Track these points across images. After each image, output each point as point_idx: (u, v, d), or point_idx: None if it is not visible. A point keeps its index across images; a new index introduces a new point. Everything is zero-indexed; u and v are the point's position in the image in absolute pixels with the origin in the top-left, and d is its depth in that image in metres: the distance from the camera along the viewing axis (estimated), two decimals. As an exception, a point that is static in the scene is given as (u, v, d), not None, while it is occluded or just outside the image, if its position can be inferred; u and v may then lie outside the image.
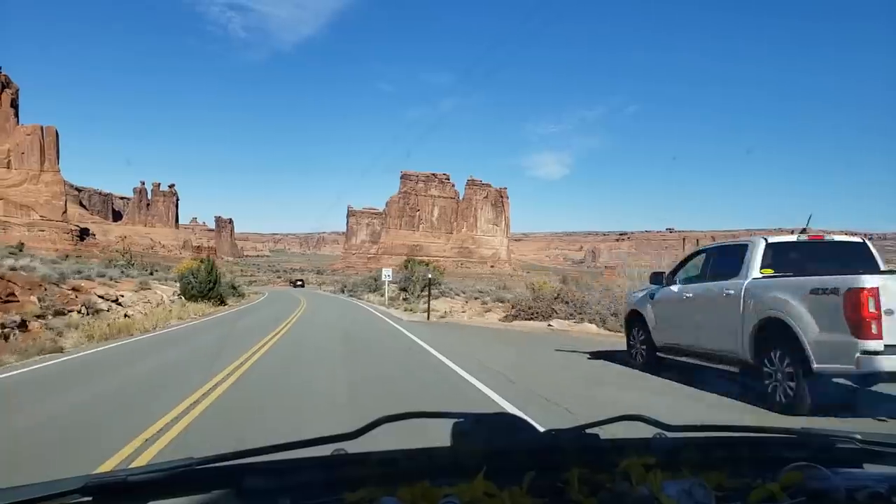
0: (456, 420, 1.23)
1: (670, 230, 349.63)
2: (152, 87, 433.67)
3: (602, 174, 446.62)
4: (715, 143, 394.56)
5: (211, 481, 1.10)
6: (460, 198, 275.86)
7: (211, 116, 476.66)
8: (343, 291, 63.21)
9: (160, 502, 1.06)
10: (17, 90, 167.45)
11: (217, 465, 1.14)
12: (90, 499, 1.01)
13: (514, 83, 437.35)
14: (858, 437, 1.28)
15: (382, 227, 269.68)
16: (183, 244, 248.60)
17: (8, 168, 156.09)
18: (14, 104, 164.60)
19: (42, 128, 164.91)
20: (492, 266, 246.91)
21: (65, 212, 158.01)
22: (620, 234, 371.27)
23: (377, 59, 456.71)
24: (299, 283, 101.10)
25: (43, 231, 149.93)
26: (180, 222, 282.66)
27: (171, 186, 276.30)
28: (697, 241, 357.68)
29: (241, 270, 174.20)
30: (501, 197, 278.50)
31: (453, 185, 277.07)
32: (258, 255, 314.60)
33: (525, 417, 1.20)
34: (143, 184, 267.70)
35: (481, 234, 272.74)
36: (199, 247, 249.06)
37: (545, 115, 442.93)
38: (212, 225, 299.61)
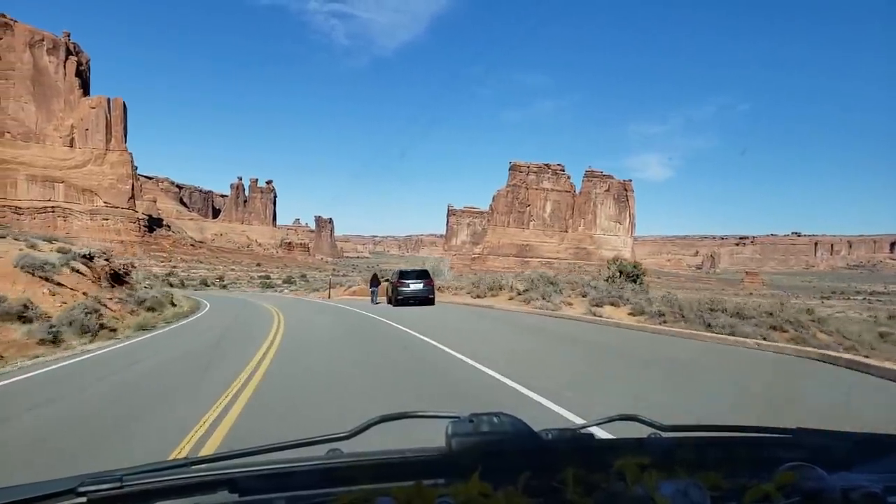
0: (451, 420, 1.24)
1: (797, 234, 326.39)
2: (262, 93, 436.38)
3: (713, 175, 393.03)
4: (842, 141, 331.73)
5: (206, 482, 1.10)
6: (577, 191, 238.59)
7: (317, 121, 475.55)
8: None
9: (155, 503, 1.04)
10: (88, 60, 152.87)
11: (212, 465, 1.14)
12: (84, 500, 1.00)
13: (616, 86, 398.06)
14: (853, 436, 1.26)
15: (487, 226, 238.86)
16: (280, 242, 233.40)
17: (71, 147, 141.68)
18: (83, 75, 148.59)
19: (108, 100, 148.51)
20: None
21: (131, 197, 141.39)
22: (740, 238, 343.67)
23: (474, 62, 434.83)
24: (413, 290, 28.62)
25: (107, 220, 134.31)
26: (283, 223, 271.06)
27: (269, 183, 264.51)
28: (832, 245, 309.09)
29: (334, 269, 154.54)
30: (626, 190, 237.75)
31: (569, 178, 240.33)
32: (357, 256, 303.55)
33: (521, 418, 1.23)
34: (241, 179, 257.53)
35: (601, 233, 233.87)
36: (290, 243, 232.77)
37: (648, 116, 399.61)
38: (314, 226, 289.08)
